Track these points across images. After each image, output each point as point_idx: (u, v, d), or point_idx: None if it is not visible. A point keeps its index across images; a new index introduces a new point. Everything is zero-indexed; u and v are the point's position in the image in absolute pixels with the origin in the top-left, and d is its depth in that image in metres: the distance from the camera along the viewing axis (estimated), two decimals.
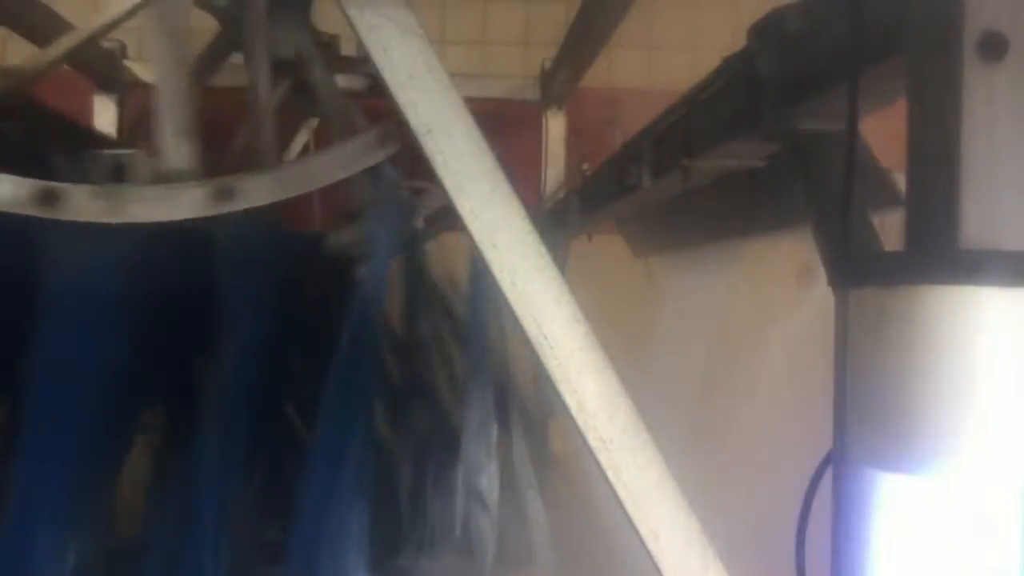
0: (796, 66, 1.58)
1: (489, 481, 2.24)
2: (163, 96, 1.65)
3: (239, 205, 1.62)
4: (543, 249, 1.26)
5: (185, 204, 1.59)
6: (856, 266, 1.04)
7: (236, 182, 1.62)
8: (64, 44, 2.26)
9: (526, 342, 1.25)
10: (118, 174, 1.65)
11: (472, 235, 1.27)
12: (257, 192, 1.62)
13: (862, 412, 0.98)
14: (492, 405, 2.27)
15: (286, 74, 2.31)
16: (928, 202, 1.01)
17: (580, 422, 1.23)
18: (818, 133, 1.63)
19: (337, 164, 1.70)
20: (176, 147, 1.63)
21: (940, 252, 0.96)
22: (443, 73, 1.28)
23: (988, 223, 0.97)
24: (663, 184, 2.44)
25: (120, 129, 3.49)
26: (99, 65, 3.41)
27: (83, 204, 1.56)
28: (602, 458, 1.22)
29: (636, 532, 1.21)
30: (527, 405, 2.72)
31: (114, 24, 2.21)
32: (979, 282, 0.93)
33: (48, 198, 1.55)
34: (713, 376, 4.36)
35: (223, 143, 2.44)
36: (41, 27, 2.67)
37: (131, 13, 2.11)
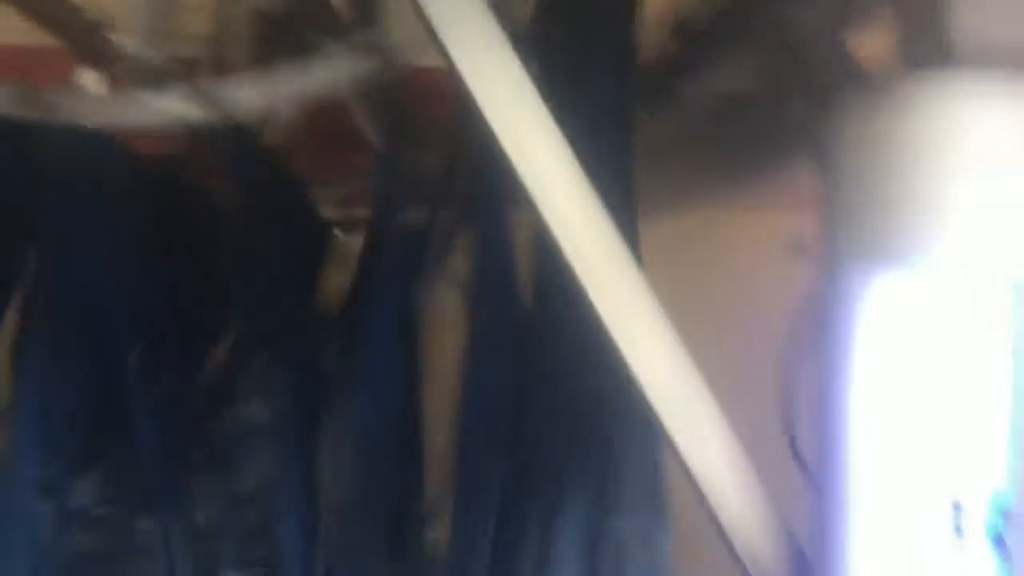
0: None
1: None
2: None
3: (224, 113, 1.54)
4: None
5: (167, 109, 1.53)
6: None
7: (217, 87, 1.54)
8: None
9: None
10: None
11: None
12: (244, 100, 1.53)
13: (851, 211, 0.92)
14: None
15: None
16: None
17: None
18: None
19: (328, 75, 1.59)
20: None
21: (928, 43, 0.90)
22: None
23: (977, 17, 0.91)
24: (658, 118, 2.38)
25: None
26: (83, 36, 3.36)
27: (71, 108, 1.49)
28: None
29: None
30: None
31: None
32: (967, 72, 0.88)
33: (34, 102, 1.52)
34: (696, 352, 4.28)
35: None
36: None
37: None
